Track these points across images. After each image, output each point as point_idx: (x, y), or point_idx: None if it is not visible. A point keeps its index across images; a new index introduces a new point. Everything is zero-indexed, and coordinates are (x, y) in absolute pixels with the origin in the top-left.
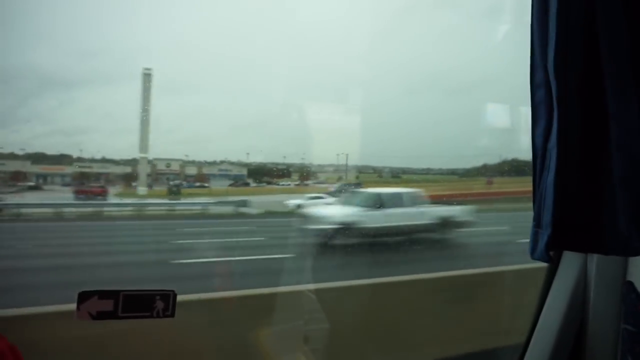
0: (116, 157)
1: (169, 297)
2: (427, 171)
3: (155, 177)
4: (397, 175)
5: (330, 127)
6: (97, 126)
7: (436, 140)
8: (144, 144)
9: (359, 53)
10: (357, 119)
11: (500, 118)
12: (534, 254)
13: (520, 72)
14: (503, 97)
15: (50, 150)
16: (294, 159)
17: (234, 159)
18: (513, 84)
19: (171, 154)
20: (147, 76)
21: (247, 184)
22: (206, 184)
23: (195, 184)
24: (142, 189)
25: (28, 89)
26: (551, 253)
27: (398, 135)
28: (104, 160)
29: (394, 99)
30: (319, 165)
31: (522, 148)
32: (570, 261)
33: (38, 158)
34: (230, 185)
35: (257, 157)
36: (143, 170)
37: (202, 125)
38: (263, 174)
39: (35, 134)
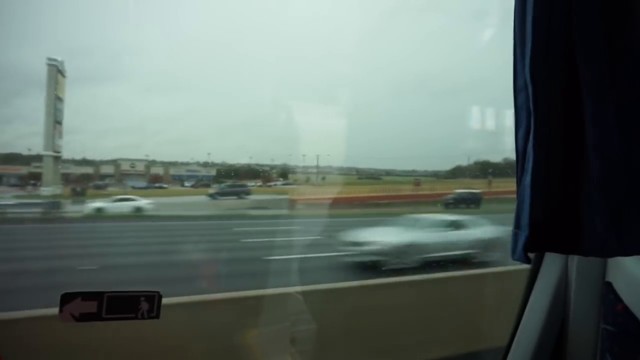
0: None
1: (153, 299)
2: (412, 173)
3: (119, 177)
4: (372, 177)
5: (310, 129)
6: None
7: (421, 142)
8: (48, 141)
9: (346, 54)
10: (338, 121)
11: (481, 120)
12: (513, 255)
13: (503, 76)
14: (486, 100)
15: None
16: (278, 160)
17: (218, 159)
18: (495, 87)
19: (159, 154)
20: (52, 67)
21: (207, 185)
22: (165, 185)
23: (154, 184)
24: (46, 189)
25: None
26: (531, 254)
27: (383, 136)
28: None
29: (378, 101)
30: (297, 167)
31: (502, 149)
32: (551, 263)
33: None
34: (192, 186)
35: (242, 159)
36: (48, 169)
37: (190, 126)
38: (231, 176)
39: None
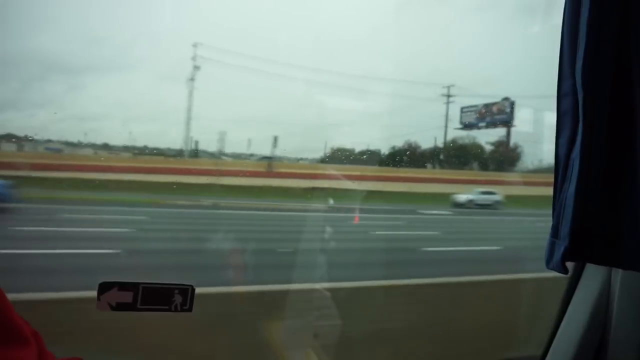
0: None
1: (187, 292)
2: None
3: None
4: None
5: None
6: None
7: None
8: None
9: None
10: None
11: None
12: (549, 264)
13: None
14: None
15: None
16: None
17: None
18: None
19: None
20: None
21: None
22: None
23: None
24: None
25: None
26: (570, 264)
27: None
28: None
29: None
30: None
31: None
32: (593, 274)
33: None
34: None
35: None
36: None
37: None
38: None
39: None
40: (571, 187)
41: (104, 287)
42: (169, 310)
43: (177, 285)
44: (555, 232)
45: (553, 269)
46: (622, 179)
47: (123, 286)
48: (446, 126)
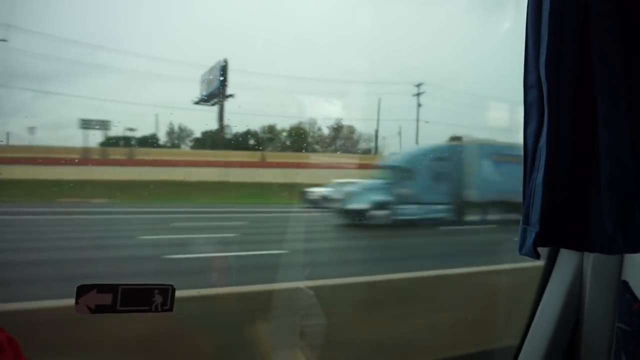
0: None
1: (167, 292)
2: None
3: None
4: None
5: None
6: None
7: None
8: None
9: None
10: None
11: None
12: (522, 250)
13: None
14: None
15: None
16: None
17: None
18: None
19: None
20: None
21: None
22: None
23: None
24: None
25: None
26: (544, 251)
27: None
28: None
29: None
30: None
31: None
32: (566, 260)
33: None
34: None
35: None
36: None
37: None
38: None
39: None
40: (539, 176)
41: (82, 290)
42: (150, 310)
43: (157, 286)
44: (526, 219)
45: (525, 254)
46: (587, 166)
47: (102, 288)
48: None
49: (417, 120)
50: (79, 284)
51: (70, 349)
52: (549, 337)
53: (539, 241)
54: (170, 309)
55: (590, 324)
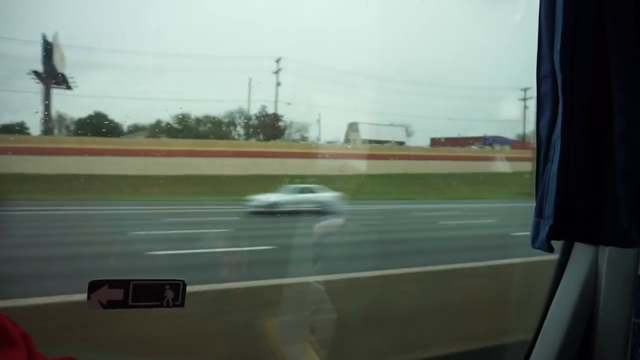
0: None
1: (178, 287)
2: None
3: None
4: None
5: None
6: None
7: None
8: None
9: None
10: None
11: None
12: (534, 244)
13: None
14: None
15: None
16: None
17: None
18: None
19: None
20: None
21: None
22: None
23: None
24: None
25: None
26: (557, 244)
27: None
28: None
29: None
30: None
31: None
32: (581, 254)
33: None
34: None
35: None
36: None
37: None
38: None
39: None
40: (553, 168)
41: (94, 286)
42: (161, 306)
43: (168, 281)
44: (539, 212)
45: (539, 248)
46: (602, 157)
47: (113, 284)
48: None
49: None
50: (90, 280)
51: (83, 344)
52: (563, 332)
53: (552, 234)
54: (182, 305)
55: (606, 319)
